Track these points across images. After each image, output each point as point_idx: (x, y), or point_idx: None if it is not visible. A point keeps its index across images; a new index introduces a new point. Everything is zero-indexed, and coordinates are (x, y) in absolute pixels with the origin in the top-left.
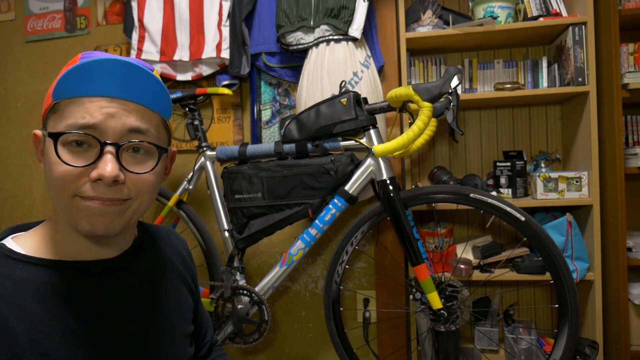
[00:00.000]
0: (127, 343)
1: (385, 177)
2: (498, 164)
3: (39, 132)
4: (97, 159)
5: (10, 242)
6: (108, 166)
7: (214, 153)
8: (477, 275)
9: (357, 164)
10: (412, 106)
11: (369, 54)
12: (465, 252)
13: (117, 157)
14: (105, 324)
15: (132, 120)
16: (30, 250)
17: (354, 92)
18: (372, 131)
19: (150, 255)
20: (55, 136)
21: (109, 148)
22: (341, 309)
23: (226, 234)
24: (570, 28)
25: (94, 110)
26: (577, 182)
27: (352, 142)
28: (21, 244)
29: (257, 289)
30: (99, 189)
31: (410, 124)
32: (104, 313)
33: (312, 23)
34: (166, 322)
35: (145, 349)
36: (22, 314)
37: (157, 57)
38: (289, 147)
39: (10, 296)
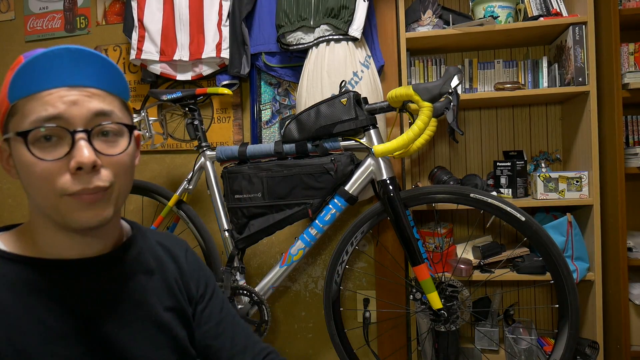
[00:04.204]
0: (106, 343)
1: (385, 177)
2: (498, 164)
3: None
4: (71, 149)
5: None
6: (84, 152)
7: (214, 153)
8: (477, 275)
9: (357, 164)
10: (412, 106)
11: (369, 53)
12: (465, 252)
13: (90, 143)
14: (84, 322)
15: (95, 104)
16: (12, 248)
17: (354, 92)
18: (372, 131)
19: (137, 257)
20: (24, 135)
21: (80, 135)
22: (341, 309)
23: (226, 234)
24: (571, 28)
25: (55, 101)
26: (577, 182)
27: (352, 142)
28: (3, 241)
29: (257, 289)
30: (81, 179)
31: (410, 124)
32: (83, 312)
33: (312, 23)
34: (149, 324)
35: (125, 350)
36: None
37: (157, 57)
38: (289, 147)
39: None
